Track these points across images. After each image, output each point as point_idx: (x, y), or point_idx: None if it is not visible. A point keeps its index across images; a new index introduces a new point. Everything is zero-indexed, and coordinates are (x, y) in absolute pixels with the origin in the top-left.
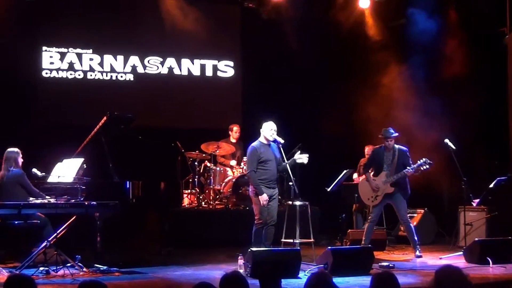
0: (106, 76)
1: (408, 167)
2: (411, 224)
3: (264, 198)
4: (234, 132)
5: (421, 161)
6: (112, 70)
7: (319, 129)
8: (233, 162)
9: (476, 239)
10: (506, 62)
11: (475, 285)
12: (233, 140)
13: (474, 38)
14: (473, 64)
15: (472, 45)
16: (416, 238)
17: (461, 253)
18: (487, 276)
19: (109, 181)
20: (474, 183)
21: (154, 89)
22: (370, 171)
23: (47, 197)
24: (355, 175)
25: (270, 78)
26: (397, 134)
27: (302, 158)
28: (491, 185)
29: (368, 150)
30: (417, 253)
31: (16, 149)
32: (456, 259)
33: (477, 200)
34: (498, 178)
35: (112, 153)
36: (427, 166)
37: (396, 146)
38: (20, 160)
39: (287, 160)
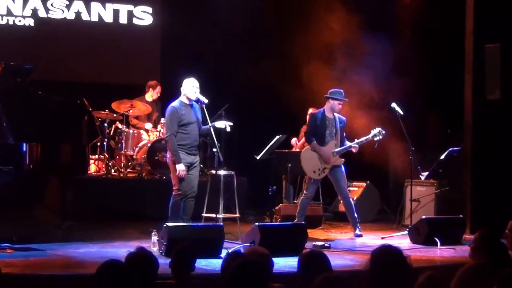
0: (2, 20)
1: (362, 138)
2: (350, 199)
3: (181, 168)
4: (156, 92)
5: (375, 131)
6: (9, 13)
7: (249, 87)
8: (148, 125)
9: (424, 217)
10: (463, 18)
11: (419, 268)
12: (149, 99)
13: None
14: (428, 19)
15: None
16: (356, 215)
17: (406, 232)
18: (434, 259)
19: (1, 143)
20: (424, 153)
21: (58, 37)
22: None
23: None
24: (293, 140)
25: (193, 27)
26: (346, 99)
27: (222, 123)
28: (442, 157)
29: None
30: (357, 232)
31: None
32: (400, 239)
33: (426, 173)
34: (450, 149)
35: (6, 110)
36: (381, 137)
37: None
38: None
39: (211, 123)
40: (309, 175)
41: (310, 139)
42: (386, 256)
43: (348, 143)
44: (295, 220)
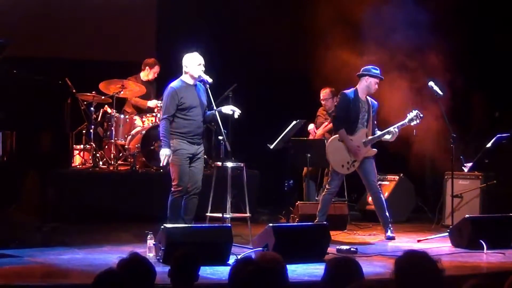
0: None
1: (397, 124)
2: (381, 196)
3: (165, 152)
4: (153, 72)
5: (412, 114)
6: None
7: (260, 65)
8: (152, 103)
9: (467, 216)
10: None
11: (462, 276)
12: (144, 79)
13: None
14: None
15: None
16: (387, 214)
17: (447, 234)
18: (479, 265)
19: None
20: (467, 141)
21: (36, 6)
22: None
23: None
24: (310, 126)
25: None
26: (383, 78)
27: (229, 109)
28: (489, 144)
29: (325, 94)
30: (389, 233)
31: None
32: (439, 242)
33: (470, 164)
34: (498, 135)
35: None
36: (418, 121)
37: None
38: None
39: (217, 107)
40: (337, 169)
41: (339, 125)
42: (411, 265)
43: (379, 132)
44: (316, 220)
